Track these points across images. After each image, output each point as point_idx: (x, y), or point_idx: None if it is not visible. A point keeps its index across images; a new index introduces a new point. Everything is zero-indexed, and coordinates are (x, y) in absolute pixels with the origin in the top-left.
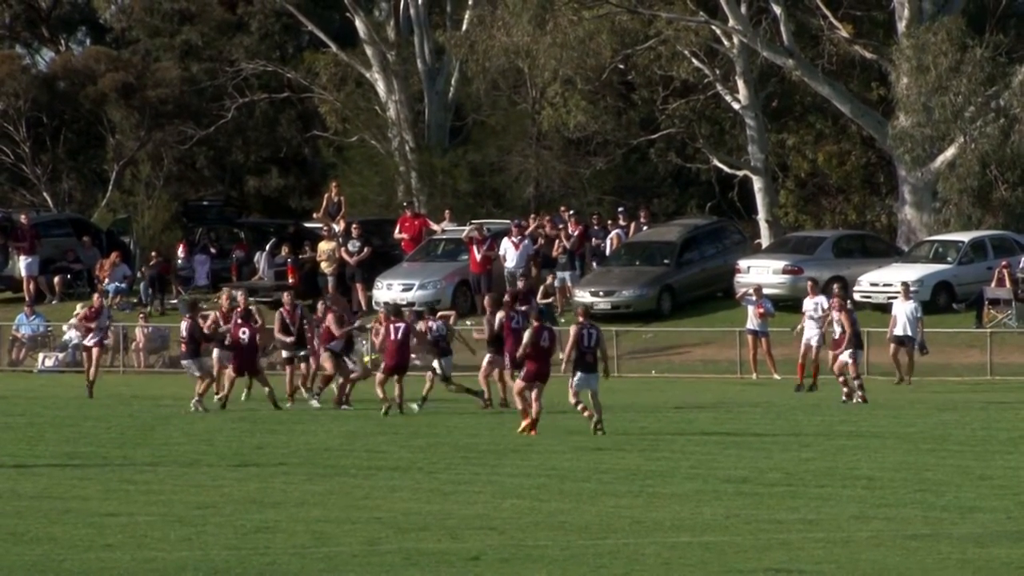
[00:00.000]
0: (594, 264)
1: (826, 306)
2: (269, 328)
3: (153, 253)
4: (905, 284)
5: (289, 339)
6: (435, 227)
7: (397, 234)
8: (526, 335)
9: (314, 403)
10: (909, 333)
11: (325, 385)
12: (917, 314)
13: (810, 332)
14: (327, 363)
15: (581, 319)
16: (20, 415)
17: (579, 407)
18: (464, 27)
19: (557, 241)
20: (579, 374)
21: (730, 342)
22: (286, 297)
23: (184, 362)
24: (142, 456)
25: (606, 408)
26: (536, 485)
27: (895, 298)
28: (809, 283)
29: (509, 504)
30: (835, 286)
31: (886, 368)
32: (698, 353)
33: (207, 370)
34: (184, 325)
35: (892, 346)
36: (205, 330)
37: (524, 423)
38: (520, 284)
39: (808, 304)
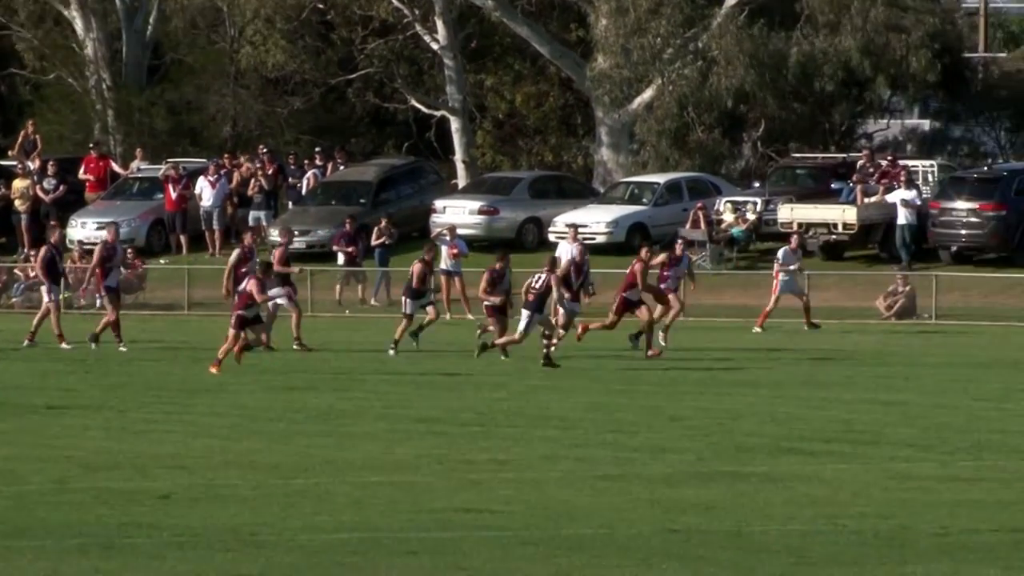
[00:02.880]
0: (290, 204)
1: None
2: None
3: None
4: (573, 226)
5: None
6: (118, 169)
7: (82, 175)
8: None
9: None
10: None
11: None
12: (585, 255)
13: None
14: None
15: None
16: None
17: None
18: None
19: (253, 180)
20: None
21: None
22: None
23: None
24: None
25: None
26: (228, 424)
27: (562, 239)
28: (795, 236)
29: (200, 443)
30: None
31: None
32: (395, 292)
33: None
34: None
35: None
36: None
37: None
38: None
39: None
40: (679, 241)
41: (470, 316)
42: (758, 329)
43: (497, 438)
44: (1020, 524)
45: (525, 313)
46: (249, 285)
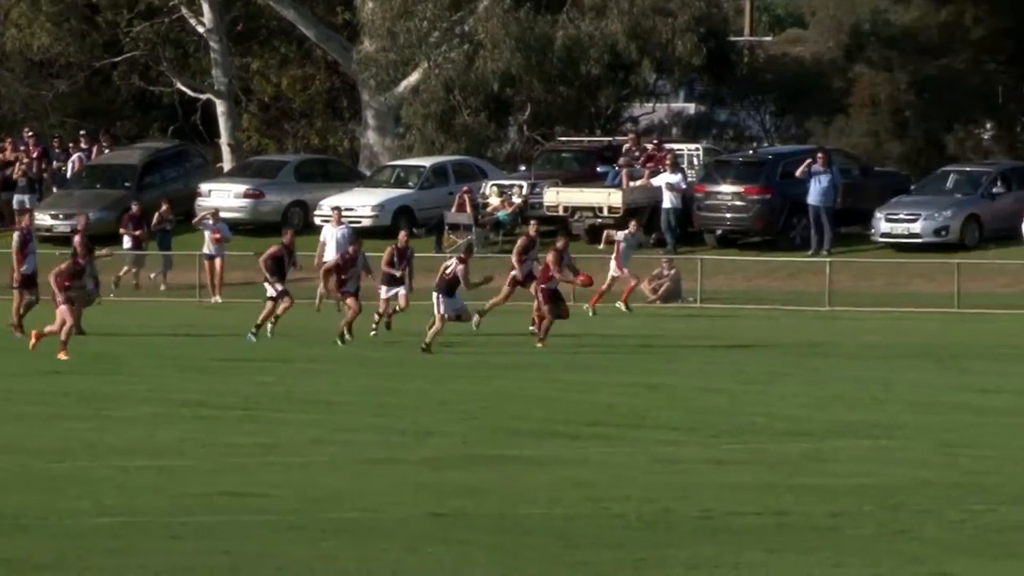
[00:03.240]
0: (54, 188)
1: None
2: None
3: None
4: (337, 208)
5: None
6: None
7: None
8: None
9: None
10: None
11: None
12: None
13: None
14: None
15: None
16: None
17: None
18: None
19: (17, 163)
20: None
21: (190, 265)
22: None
23: None
24: None
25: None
26: None
27: (327, 223)
28: (634, 222)
29: None
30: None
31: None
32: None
33: None
34: None
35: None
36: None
37: None
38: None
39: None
40: (534, 223)
41: (217, 299)
42: (623, 307)
43: (263, 422)
44: (783, 507)
45: (435, 295)
46: (63, 265)
